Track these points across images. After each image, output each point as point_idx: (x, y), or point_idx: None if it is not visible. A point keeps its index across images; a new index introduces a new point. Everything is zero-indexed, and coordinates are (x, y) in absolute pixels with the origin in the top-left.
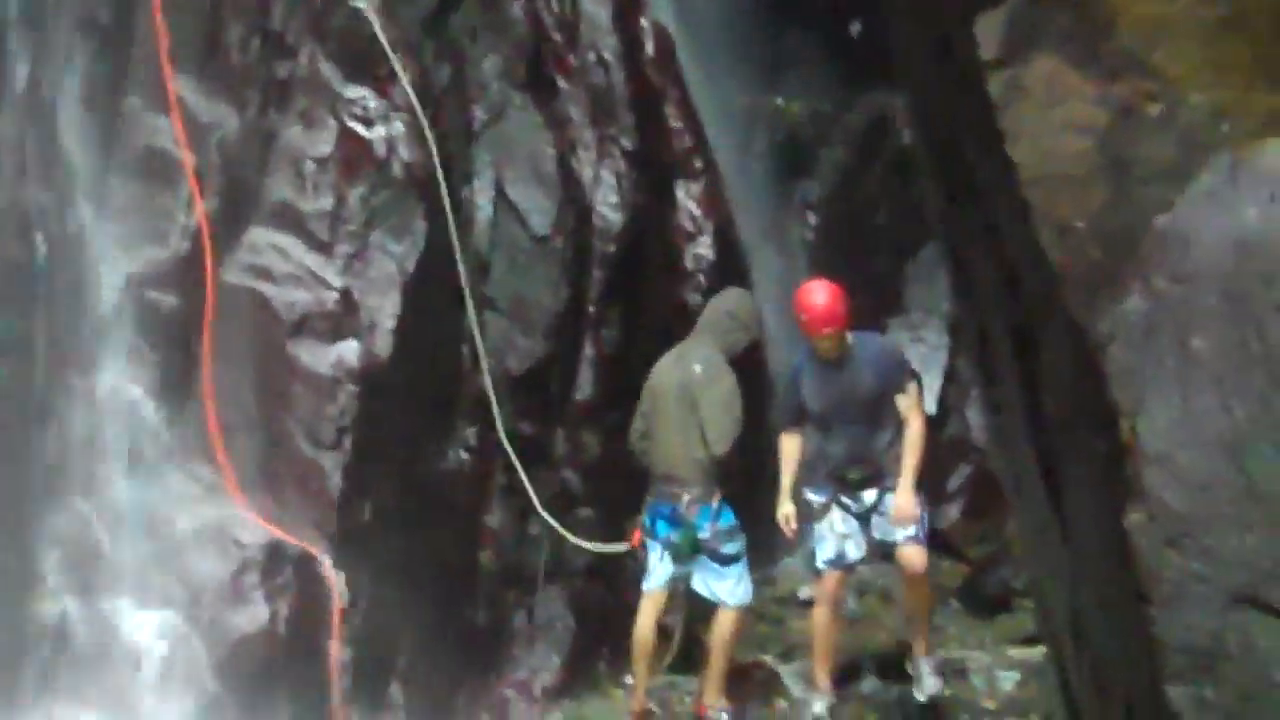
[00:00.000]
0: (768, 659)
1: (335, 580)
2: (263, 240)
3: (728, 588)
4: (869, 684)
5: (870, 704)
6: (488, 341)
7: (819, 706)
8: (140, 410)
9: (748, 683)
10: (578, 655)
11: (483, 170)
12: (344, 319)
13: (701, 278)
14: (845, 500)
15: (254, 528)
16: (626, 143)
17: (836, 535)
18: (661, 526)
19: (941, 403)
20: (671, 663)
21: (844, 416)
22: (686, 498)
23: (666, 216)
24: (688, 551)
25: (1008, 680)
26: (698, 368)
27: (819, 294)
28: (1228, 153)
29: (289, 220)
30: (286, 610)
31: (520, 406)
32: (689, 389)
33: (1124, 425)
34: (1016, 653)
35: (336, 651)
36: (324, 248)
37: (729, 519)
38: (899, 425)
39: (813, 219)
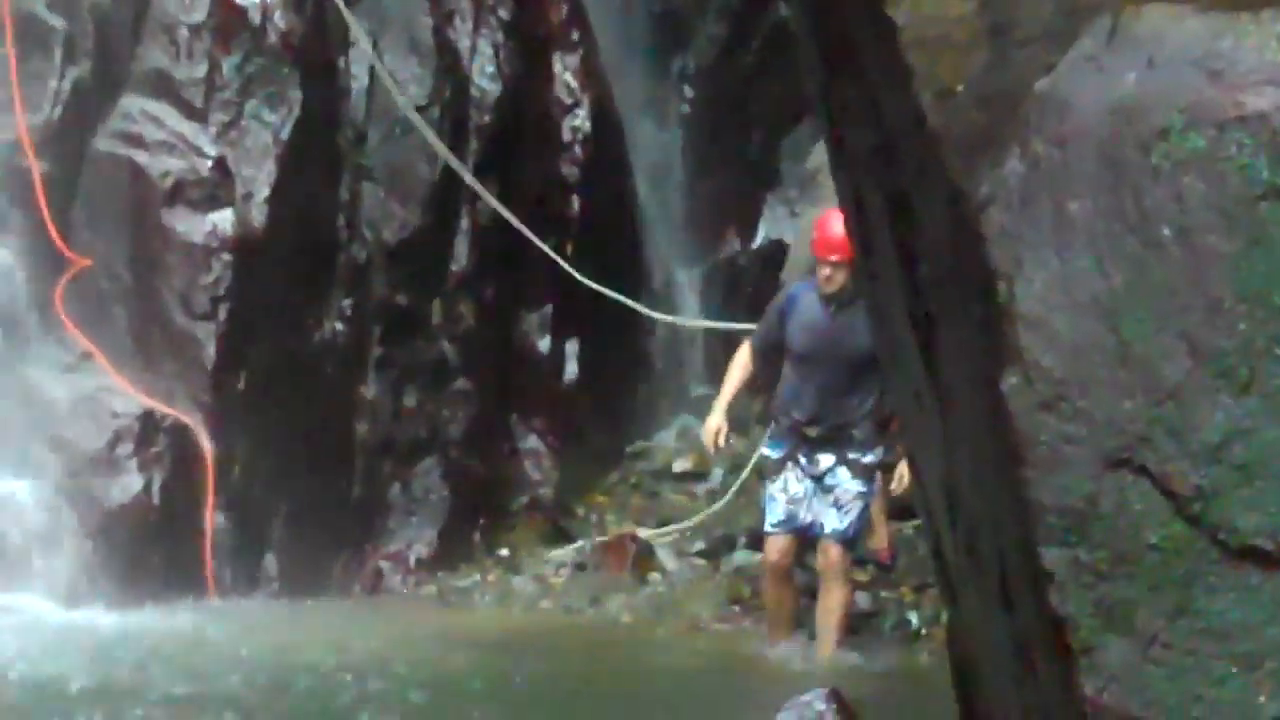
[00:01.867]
0: (641, 532)
1: (209, 450)
2: (136, 108)
3: None
4: (741, 555)
5: (743, 575)
6: (363, 211)
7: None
8: (13, 278)
9: (622, 555)
10: (452, 527)
11: (359, 39)
12: (218, 187)
13: (578, 149)
14: (801, 460)
15: (128, 397)
16: (504, 13)
17: (787, 497)
18: None
19: None
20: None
21: (823, 365)
22: None
23: (543, 88)
24: None
25: None
26: None
27: (835, 218)
28: (1108, 16)
29: (163, 87)
30: (160, 480)
31: (396, 277)
32: None
33: (1001, 288)
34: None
35: (210, 522)
36: (198, 115)
37: None
38: (875, 396)
39: (690, 92)
